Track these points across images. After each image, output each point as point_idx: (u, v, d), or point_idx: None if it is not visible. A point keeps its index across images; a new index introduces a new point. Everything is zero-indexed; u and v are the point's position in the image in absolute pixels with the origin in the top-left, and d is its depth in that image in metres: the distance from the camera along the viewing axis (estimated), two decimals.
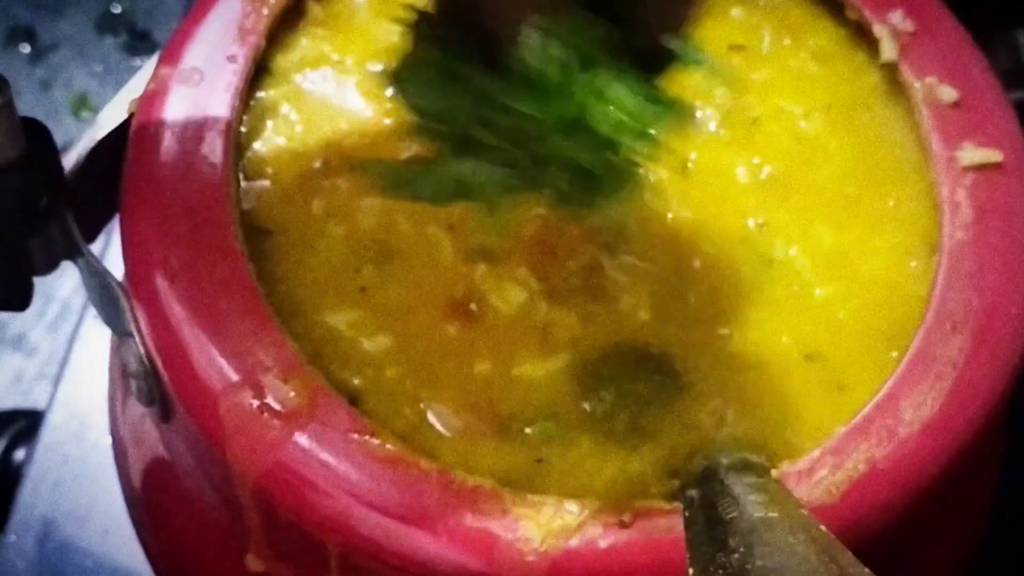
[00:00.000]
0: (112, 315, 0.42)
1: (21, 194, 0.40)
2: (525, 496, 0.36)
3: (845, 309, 0.43)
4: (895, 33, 0.48)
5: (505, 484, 0.37)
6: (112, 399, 0.55)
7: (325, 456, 0.37)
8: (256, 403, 0.37)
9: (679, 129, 0.43)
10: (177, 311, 0.39)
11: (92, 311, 0.64)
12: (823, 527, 0.32)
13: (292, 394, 0.38)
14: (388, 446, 0.37)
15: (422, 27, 0.42)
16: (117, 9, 1.21)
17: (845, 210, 0.45)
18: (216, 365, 0.38)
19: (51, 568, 0.57)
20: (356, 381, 0.40)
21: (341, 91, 0.47)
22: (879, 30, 0.48)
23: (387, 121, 0.46)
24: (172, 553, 0.50)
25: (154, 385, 0.42)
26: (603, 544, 0.36)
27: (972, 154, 0.45)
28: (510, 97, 0.40)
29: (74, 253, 0.43)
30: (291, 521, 0.37)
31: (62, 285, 1.04)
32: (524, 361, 0.41)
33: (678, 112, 0.42)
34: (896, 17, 0.48)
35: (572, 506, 0.36)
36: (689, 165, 0.44)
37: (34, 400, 0.97)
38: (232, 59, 0.45)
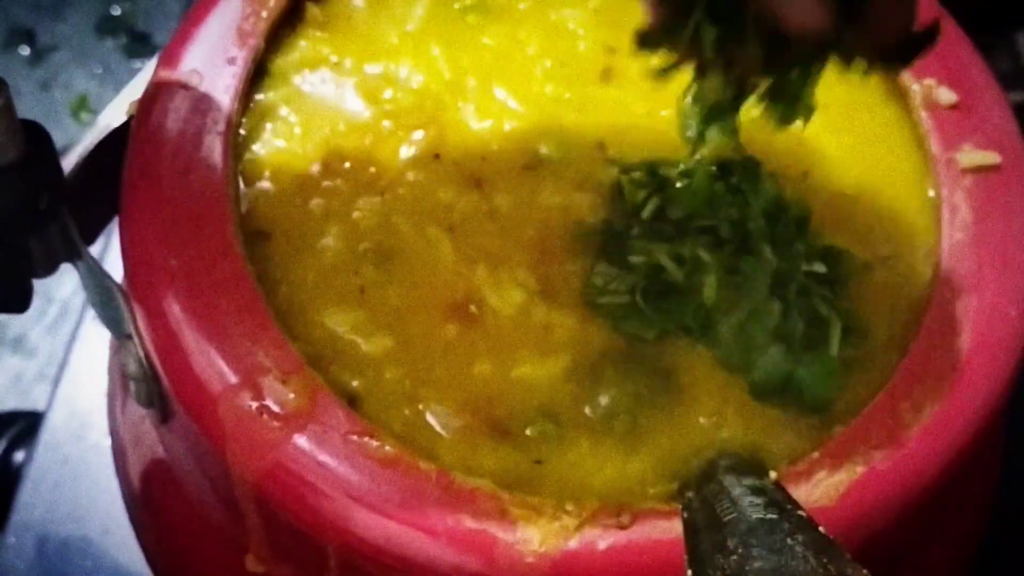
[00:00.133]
0: (111, 317, 0.42)
1: (21, 196, 0.40)
2: (524, 497, 0.36)
3: None
4: None
5: (504, 485, 0.37)
6: (111, 400, 0.55)
7: (324, 457, 0.37)
8: (255, 404, 0.37)
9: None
10: (176, 313, 0.39)
11: (91, 313, 0.64)
12: (822, 528, 0.32)
13: (291, 395, 0.38)
14: (387, 447, 0.37)
15: None
16: (117, 11, 1.21)
17: (844, 211, 0.45)
18: (215, 366, 0.38)
19: (51, 568, 0.57)
20: (355, 382, 0.40)
21: (340, 93, 0.47)
22: None
23: (386, 123, 0.46)
24: (171, 553, 0.50)
25: (153, 386, 0.42)
26: (602, 545, 0.36)
27: (971, 156, 0.45)
28: None
29: (73, 255, 0.43)
30: (290, 522, 0.37)
31: (62, 287, 1.04)
32: (523, 362, 0.41)
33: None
34: None
35: (571, 507, 0.36)
36: (683, 165, 0.44)
37: (34, 401, 0.97)
38: (231, 61, 0.45)
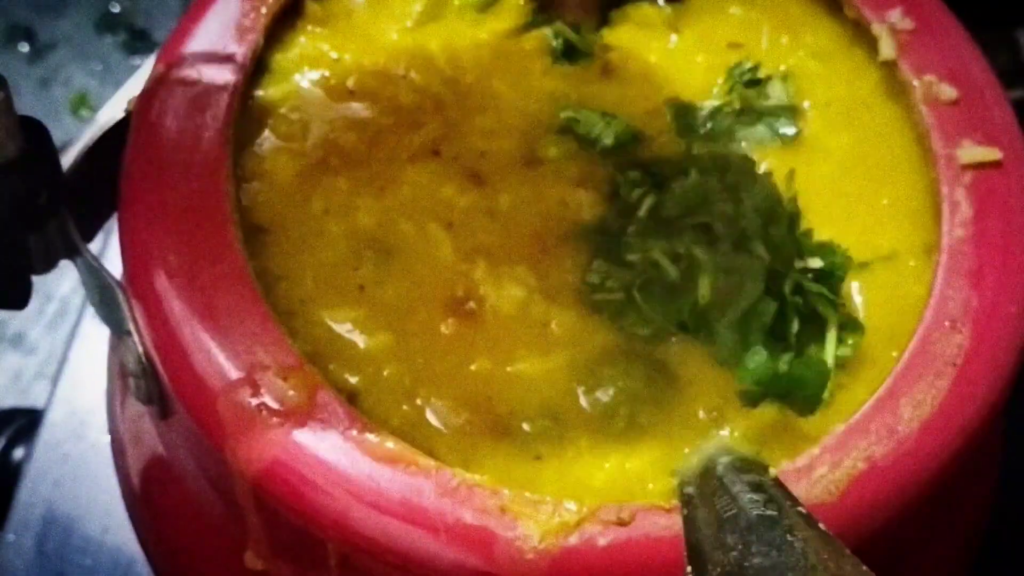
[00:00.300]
0: (111, 314, 0.42)
1: (20, 193, 0.40)
2: (524, 494, 0.36)
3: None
4: (894, 31, 0.48)
5: (503, 482, 0.37)
6: (111, 397, 0.55)
7: (324, 454, 0.37)
8: (255, 401, 0.37)
9: None
10: (176, 309, 0.39)
11: (91, 310, 0.64)
12: (822, 525, 0.31)
13: (291, 392, 0.38)
14: (387, 444, 0.37)
15: None
16: (116, 8, 1.21)
17: (844, 208, 0.45)
18: (215, 363, 0.38)
19: (50, 566, 0.57)
20: (355, 379, 0.40)
21: (340, 89, 0.47)
22: (878, 28, 0.48)
23: (385, 120, 0.46)
24: (171, 551, 0.50)
25: (153, 383, 0.42)
26: (602, 542, 0.36)
27: (971, 152, 0.45)
28: None
29: (73, 252, 0.43)
30: (290, 519, 0.37)
31: (61, 284, 1.04)
32: (523, 359, 0.41)
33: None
34: (895, 15, 0.48)
35: (571, 504, 0.36)
36: (678, 163, 0.44)
37: (33, 399, 0.97)
38: (231, 58, 0.45)
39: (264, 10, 0.46)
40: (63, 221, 0.42)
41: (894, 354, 0.41)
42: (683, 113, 0.48)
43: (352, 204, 0.44)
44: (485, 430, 0.39)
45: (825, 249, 0.42)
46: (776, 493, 0.34)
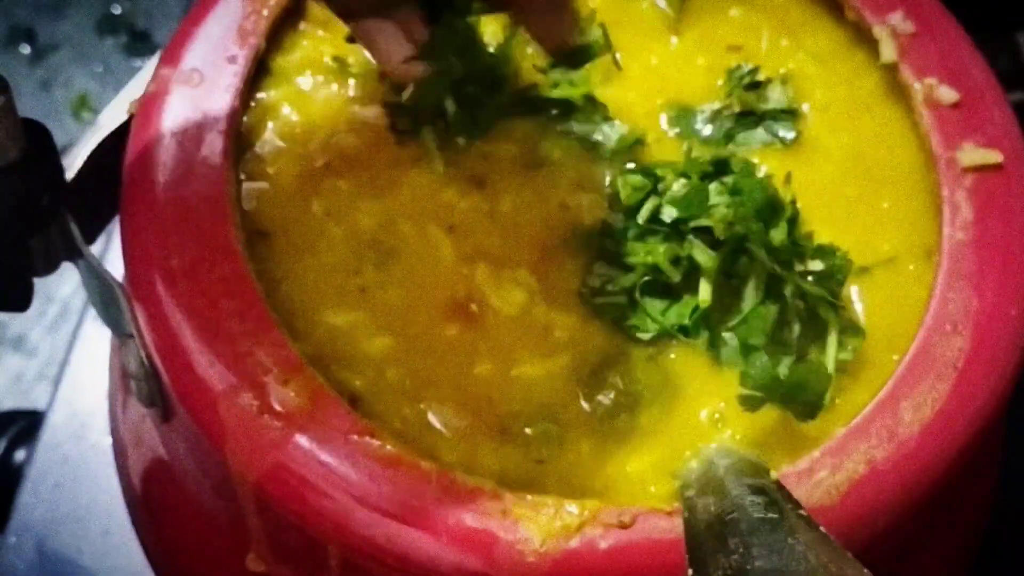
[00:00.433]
0: (112, 316, 0.42)
1: (21, 194, 0.40)
2: (525, 497, 0.36)
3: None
4: (895, 34, 0.48)
5: (505, 485, 0.37)
6: (112, 400, 0.55)
7: (325, 457, 0.37)
8: (256, 404, 0.37)
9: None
10: (177, 312, 0.39)
11: (92, 312, 0.64)
12: (823, 528, 0.32)
13: (292, 395, 0.38)
14: (388, 447, 0.37)
15: None
16: (117, 10, 1.21)
17: (844, 211, 0.45)
18: (216, 366, 0.38)
19: (51, 568, 0.57)
20: (356, 382, 0.40)
21: (341, 92, 0.47)
22: (879, 31, 0.48)
23: (386, 122, 0.46)
24: (171, 553, 0.50)
25: (154, 386, 0.42)
26: (603, 545, 0.36)
27: (972, 155, 0.45)
28: None
29: (74, 254, 0.43)
30: (291, 522, 0.37)
31: (62, 286, 1.04)
32: (524, 362, 0.41)
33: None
34: (896, 18, 0.49)
35: (572, 507, 0.36)
36: (679, 166, 0.44)
37: (34, 401, 0.97)
38: (232, 60, 0.45)
39: (266, 12, 0.46)
40: (64, 223, 0.42)
41: (895, 357, 0.41)
42: (683, 116, 0.48)
43: (353, 207, 0.44)
44: (486, 433, 0.39)
45: (825, 252, 0.42)
46: (777, 496, 0.34)
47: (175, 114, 0.43)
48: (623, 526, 0.36)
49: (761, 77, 0.48)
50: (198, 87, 0.44)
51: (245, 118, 0.45)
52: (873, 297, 0.43)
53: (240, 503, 0.39)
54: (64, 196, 0.42)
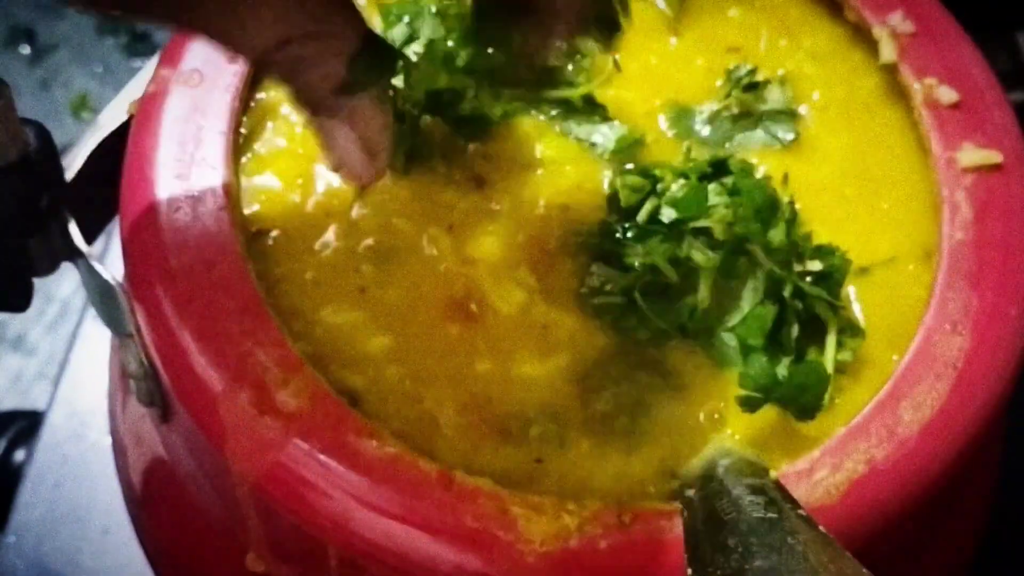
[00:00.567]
0: (112, 316, 0.42)
1: (21, 195, 0.40)
2: (525, 497, 0.36)
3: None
4: (894, 34, 0.48)
5: (505, 485, 0.37)
6: (112, 399, 0.55)
7: (325, 457, 0.37)
8: (256, 404, 0.37)
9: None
10: (177, 312, 0.39)
11: (92, 311, 0.64)
12: (822, 528, 0.32)
13: (292, 395, 0.38)
14: (388, 447, 0.37)
15: None
16: None
17: (844, 211, 0.45)
18: (216, 366, 0.38)
19: (51, 568, 0.57)
20: (356, 381, 0.40)
21: None
22: (878, 31, 0.48)
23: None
24: (171, 553, 0.50)
25: (154, 385, 0.42)
26: (602, 544, 0.36)
27: (972, 155, 0.45)
28: None
29: (74, 253, 0.43)
30: (291, 522, 0.37)
31: (62, 286, 1.04)
32: (524, 362, 0.41)
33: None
34: (895, 18, 0.49)
35: (572, 507, 0.36)
36: (678, 167, 0.44)
37: (34, 400, 0.97)
38: (232, 60, 0.45)
39: None
40: (64, 223, 0.42)
41: (894, 357, 0.41)
42: (682, 116, 0.48)
43: (353, 207, 0.44)
44: (486, 432, 0.39)
45: (824, 252, 0.42)
46: (777, 496, 0.34)
47: (175, 114, 0.43)
48: (622, 526, 0.36)
49: (760, 78, 0.48)
50: (198, 87, 0.44)
51: (245, 118, 0.45)
52: (872, 297, 0.43)
53: (240, 503, 0.39)
54: (64, 196, 0.42)
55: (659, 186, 0.43)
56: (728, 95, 0.48)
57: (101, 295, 0.42)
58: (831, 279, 0.41)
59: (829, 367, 0.40)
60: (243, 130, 0.45)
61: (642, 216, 0.43)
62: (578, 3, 0.41)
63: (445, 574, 0.36)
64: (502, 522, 0.36)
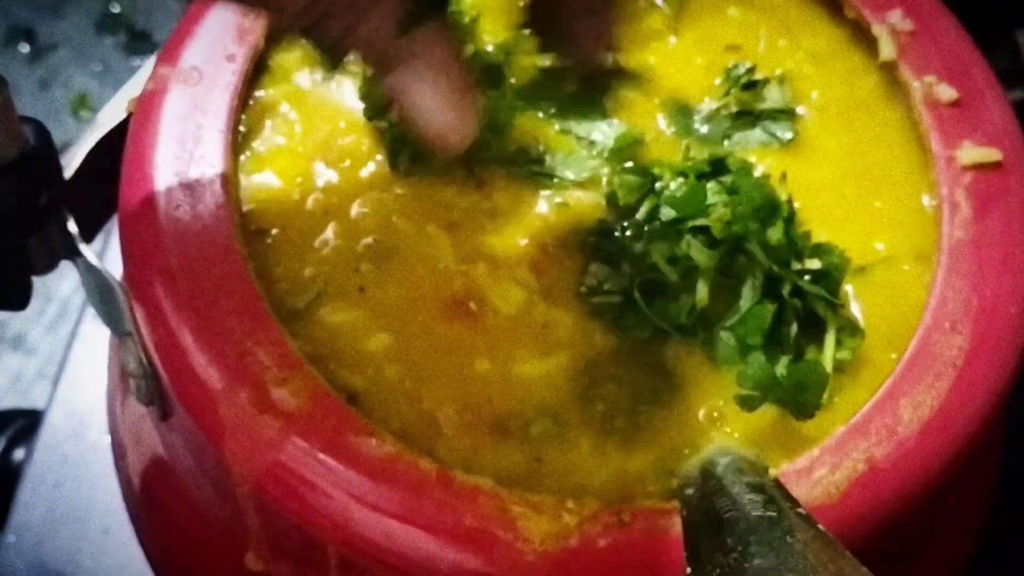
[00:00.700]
0: (111, 315, 0.42)
1: (20, 193, 0.40)
2: (524, 496, 0.36)
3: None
4: (894, 32, 0.48)
5: (504, 484, 0.37)
6: (111, 398, 0.55)
7: (324, 456, 0.37)
8: (255, 403, 0.37)
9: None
10: (176, 310, 0.39)
11: (91, 311, 0.64)
12: (822, 527, 0.32)
13: (291, 394, 0.38)
14: (387, 446, 0.37)
15: None
16: (116, 9, 1.21)
17: (843, 210, 0.45)
18: (215, 365, 0.38)
19: (51, 568, 0.57)
20: (355, 381, 0.40)
21: (340, 90, 0.47)
22: (878, 30, 0.48)
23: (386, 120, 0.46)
24: (171, 552, 0.50)
25: (153, 385, 0.42)
26: (602, 543, 0.36)
27: (971, 153, 0.45)
28: None
29: (73, 252, 0.43)
30: (290, 521, 0.37)
31: (61, 285, 1.04)
32: (524, 361, 0.41)
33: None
34: (895, 16, 0.49)
35: (571, 505, 0.36)
36: (676, 166, 0.44)
37: (33, 400, 0.97)
38: (231, 58, 0.45)
39: None
40: (63, 221, 0.42)
41: (893, 356, 0.41)
42: (681, 115, 0.48)
43: (352, 205, 0.44)
44: (485, 431, 0.39)
45: (823, 251, 0.42)
46: (776, 494, 0.34)
47: (174, 112, 0.43)
48: (622, 524, 0.36)
49: (759, 77, 0.48)
50: (197, 85, 0.44)
51: (244, 116, 0.45)
52: (872, 296, 0.43)
53: (239, 502, 0.39)
54: (63, 195, 0.42)
55: (658, 185, 0.43)
56: (727, 94, 0.48)
57: (100, 294, 0.42)
58: (830, 278, 0.41)
59: (828, 366, 0.40)
60: (242, 128, 0.45)
61: (641, 215, 0.43)
62: (595, 30, 0.41)
63: (444, 573, 0.36)
64: (502, 521, 0.36)
